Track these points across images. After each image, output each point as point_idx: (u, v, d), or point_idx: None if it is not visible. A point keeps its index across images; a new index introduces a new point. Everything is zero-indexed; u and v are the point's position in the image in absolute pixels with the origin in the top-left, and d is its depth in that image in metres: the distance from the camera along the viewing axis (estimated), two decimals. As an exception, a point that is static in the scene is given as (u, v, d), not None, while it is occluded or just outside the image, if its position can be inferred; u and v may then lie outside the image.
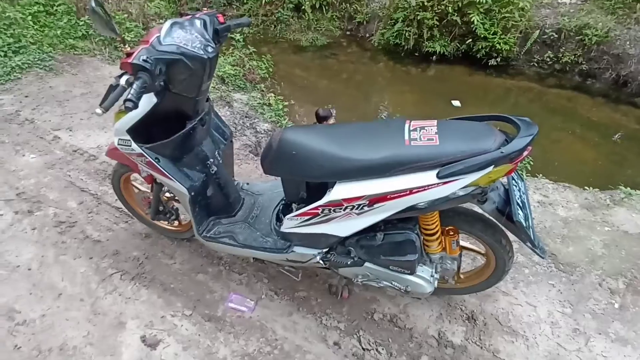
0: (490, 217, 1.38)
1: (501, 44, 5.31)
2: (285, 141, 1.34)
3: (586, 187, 2.52)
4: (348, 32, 6.62)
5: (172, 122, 1.46)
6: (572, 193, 2.43)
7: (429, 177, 1.18)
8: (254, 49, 4.93)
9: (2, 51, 3.59)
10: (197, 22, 1.36)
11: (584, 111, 4.94)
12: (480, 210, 1.38)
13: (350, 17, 6.49)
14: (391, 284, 1.51)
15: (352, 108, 4.75)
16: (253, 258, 1.79)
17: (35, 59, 3.67)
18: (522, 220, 1.25)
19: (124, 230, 2.16)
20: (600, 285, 1.84)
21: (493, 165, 1.14)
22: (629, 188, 2.52)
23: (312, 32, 6.40)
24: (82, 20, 4.38)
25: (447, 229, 1.45)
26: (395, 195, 1.22)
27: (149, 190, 1.88)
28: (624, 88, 5.15)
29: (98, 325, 1.71)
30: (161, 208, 1.85)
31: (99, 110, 1.12)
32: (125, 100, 1.11)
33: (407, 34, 5.73)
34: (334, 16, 6.47)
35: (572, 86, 5.36)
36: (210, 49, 1.30)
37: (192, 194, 1.54)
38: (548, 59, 5.46)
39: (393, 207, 1.25)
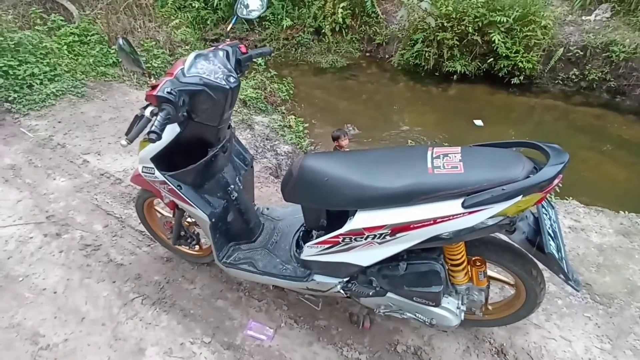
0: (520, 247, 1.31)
1: (524, 63, 5.24)
2: (306, 168, 1.34)
3: (621, 211, 2.40)
4: (367, 54, 6.69)
5: (195, 150, 1.48)
6: (605, 217, 2.31)
7: (454, 206, 1.14)
8: (275, 72, 5.04)
9: (39, 79, 3.79)
10: (220, 53, 1.39)
11: (613, 129, 4.77)
12: (509, 240, 1.32)
13: (369, 39, 6.57)
14: (415, 315, 1.45)
15: (372, 128, 4.75)
16: (273, 285, 1.77)
17: (69, 86, 3.86)
18: (554, 252, 1.18)
19: (146, 254, 2.18)
20: (641, 319, 1.72)
21: (522, 195, 1.09)
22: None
23: (332, 55, 6.51)
24: (112, 49, 4.61)
25: (473, 259, 1.40)
26: (419, 224, 1.18)
27: (171, 215, 1.90)
28: (656, 104, 4.96)
29: (119, 351, 1.71)
30: (182, 233, 1.87)
31: (124, 142, 1.14)
32: (149, 132, 1.14)
33: (426, 54, 5.74)
34: (354, 38, 6.57)
35: (600, 104, 5.20)
36: (232, 79, 1.32)
37: (213, 220, 1.55)
38: (573, 77, 5.34)
39: (416, 236, 1.21)
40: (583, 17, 5.58)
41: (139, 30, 5.16)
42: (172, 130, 1.36)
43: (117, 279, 2.03)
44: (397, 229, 1.21)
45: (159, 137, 1.14)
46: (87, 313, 1.87)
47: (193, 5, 6.89)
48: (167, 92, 1.21)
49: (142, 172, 1.51)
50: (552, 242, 1.20)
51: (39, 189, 2.66)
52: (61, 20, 4.78)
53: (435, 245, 1.25)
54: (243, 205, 1.69)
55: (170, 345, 1.72)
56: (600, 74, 5.16)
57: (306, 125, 4.27)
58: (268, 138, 3.66)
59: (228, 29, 1.54)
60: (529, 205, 1.14)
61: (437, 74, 5.87)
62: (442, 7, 5.46)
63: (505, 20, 5.16)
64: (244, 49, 1.49)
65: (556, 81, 5.51)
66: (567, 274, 1.21)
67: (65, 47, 4.34)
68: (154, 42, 4.89)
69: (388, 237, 1.24)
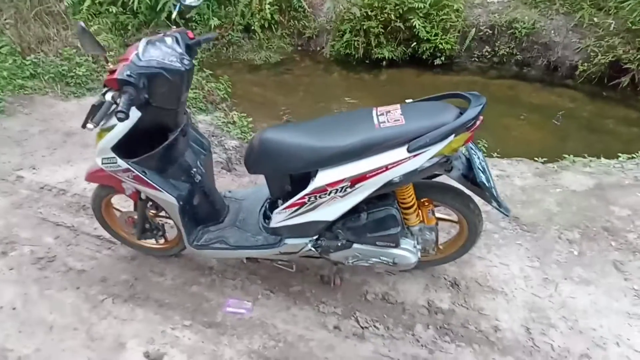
0: (458, 186, 1.54)
1: (443, 44, 5.72)
2: (266, 140, 1.45)
3: (536, 159, 2.80)
4: (299, 48, 6.84)
5: (154, 135, 1.52)
6: (525, 165, 2.69)
7: (401, 152, 1.32)
8: (210, 72, 5.00)
9: (-53, 98, 3.45)
10: (169, 39, 1.45)
11: (524, 97, 5.40)
12: (448, 182, 1.55)
13: (299, 33, 6.72)
14: (379, 259, 1.63)
15: (311, 117, 4.88)
16: (246, 258, 1.85)
17: (-16, 103, 3.54)
18: (485, 182, 1.42)
19: (108, 256, 2.14)
20: (559, 238, 2.06)
21: (454, 135, 1.30)
22: (572, 156, 2.82)
23: (264, 51, 6.55)
24: (28, 60, 4.28)
25: (422, 200, 1.60)
26: (373, 173, 1.35)
27: (133, 210, 1.90)
28: (556, 72, 5.68)
29: (97, 350, 1.69)
30: (147, 225, 1.87)
31: (90, 126, 1.17)
32: (117, 112, 1.17)
33: (355, 44, 6.02)
34: (284, 34, 6.66)
35: (511, 76, 5.84)
36: (186, 61, 1.39)
37: (181, 203, 1.59)
38: (487, 54, 5.93)
39: (373, 184, 1.38)
40: (488, 0, 6.19)
41: (55, 39, 4.83)
42: (132, 116, 1.39)
43: (80, 284, 1.98)
44: (356, 180, 1.37)
45: (127, 116, 1.18)
46: (54, 321, 1.81)
47: (110, 10, 6.54)
48: (127, 75, 1.25)
49: (103, 163, 1.51)
50: (482, 175, 1.44)
51: (-30, 211, 2.46)
52: (-38, 33, 4.34)
53: (388, 190, 1.44)
54: (207, 187, 1.75)
55: (150, 335, 1.74)
56: (508, 49, 5.78)
57: (250, 119, 4.32)
58: (214, 135, 3.66)
59: (173, 16, 1.59)
60: (460, 144, 1.36)
61: (367, 61, 6.18)
62: (363, -3, 5.76)
63: (422, 6, 5.56)
64: (191, 35, 1.55)
65: (472, 59, 6.08)
66: (497, 199, 1.45)
67: (-28, 62, 3.96)
68: (74, 50, 4.62)
69: (348, 190, 1.40)
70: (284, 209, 1.52)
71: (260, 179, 2.75)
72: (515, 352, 1.62)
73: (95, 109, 1.34)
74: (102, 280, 2.00)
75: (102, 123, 1.27)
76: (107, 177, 1.62)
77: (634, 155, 2.83)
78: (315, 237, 1.61)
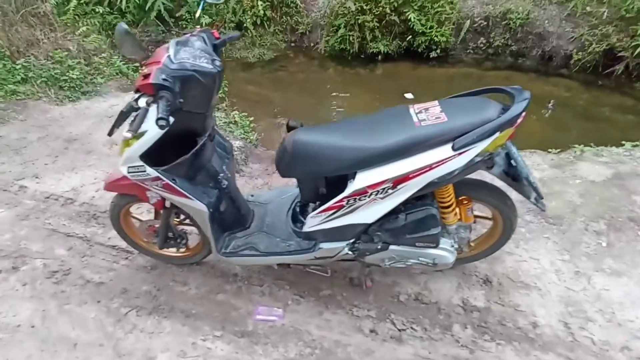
0: (494, 182, 1.51)
1: (438, 37, 5.71)
2: (300, 142, 1.40)
3: (549, 150, 2.80)
4: (293, 44, 6.75)
5: (181, 141, 1.45)
6: (539, 157, 2.69)
7: (445, 151, 1.28)
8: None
9: (-64, 107, 3.29)
10: (197, 40, 1.38)
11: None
12: (482, 178, 1.52)
13: (292, 29, 6.63)
14: (418, 260, 1.60)
15: (309, 115, 4.86)
16: (277, 264, 1.80)
17: (-23, 111, 3.40)
18: (530, 177, 1.39)
19: (126, 267, 2.06)
20: (586, 229, 2.06)
21: (499, 131, 1.27)
22: (581, 146, 2.83)
23: (257, 48, 6.46)
24: (18, 64, 4.12)
25: (460, 199, 1.57)
26: (417, 173, 1.31)
27: (153, 219, 1.83)
28: (550, 62, 5.73)
29: (126, 366, 1.63)
30: (170, 234, 1.81)
31: (128, 134, 1.10)
32: (158, 119, 1.11)
33: (350, 38, 5.97)
34: (277, 30, 6.57)
35: (506, 66, 5.87)
36: (217, 63, 1.33)
37: (211, 210, 1.53)
38: (482, 45, 5.94)
39: (416, 185, 1.34)
40: (481, -9, 6.19)
41: (44, 41, 4.66)
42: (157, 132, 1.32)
43: (101, 297, 1.90)
44: (398, 181, 1.33)
45: (168, 123, 1.12)
46: (77, 338, 1.73)
47: (97, 10, 6.35)
48: (163, 79, 1.18)
49: (129, 172, 1.43)
50: (526, 169, 1.41)
51: (-27, 225, 2.35)
52: (-54, 38, 4.15)
53: (431, 190, 1.40)
54: (233, 193, 1.69)
55: (181, 347, 1.68)
56: (503, 40, 5.80)
57: (252, 119, 4.24)
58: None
59: (197, 15, 1.52)
60: (504, 140, 1.33)
61: (362, 56, 6.14)
62: (358, -9, 5.70)
63: (417, -1, 5.54)
64: (216, 34, 1.48)
65: (468, 51, 6.09)
66: (540, 194, 1.43)
67: (-40, 68, 3.79)
68: (65, 53, 4.46)
69: (390, 191, 1.36)
70: (320, 212, 1.47)
71: (275, 180, 2.72)
72: (556, 347, 1.61)
73: (123, 115, 1.27)
74: (122, 292, 1.92)
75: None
76: (130, 186, 1.55)
77: (638, 143, 2.86)
78: (352, 240, 1.57)
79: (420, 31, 5.66)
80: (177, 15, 6.37)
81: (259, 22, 6.43)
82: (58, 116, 3.60)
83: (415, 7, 5.61)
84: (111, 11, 6.53)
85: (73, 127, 3.34)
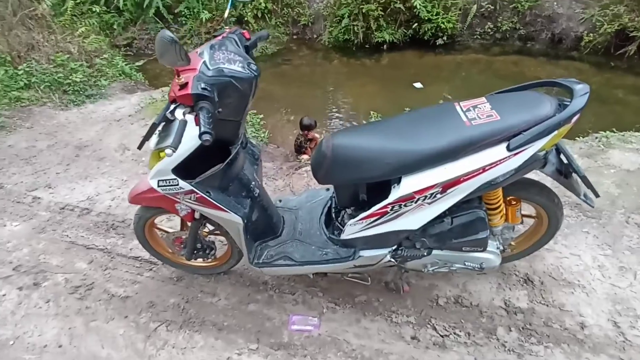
0: (540, 179, 1.43)
1: (444, 23, 5.58)
2: (340, 147, 1.31)
3: (577, 138, 2.71)
4: (295, 36, 6.62)
5: (213, 150, 1.37)
6: (567, 145, 2.59)
7: (499, 151, 1.20)
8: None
9: (-60, 118, 3.20)
10: (230, 42, 1.29)
11: (530, 72, 5.31)
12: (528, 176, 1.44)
13: (294, 21, 6.49)
14: (464, 265, 1.52)
15: (316, 109, 4.77)
16: (313, 273, 1.73)
17: (-19, 120, 3.31)
18: (584, 173, 1.31)
19: (151, 279, 2.00)
20: (627, 222, 1.98)
21: (557, 129, 1.18)
22: (607, 132, 2.74)
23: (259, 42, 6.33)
24: (20, 69, 4.02)
25: (508, 199, 1.49)
26: (469, 176, 1.23)
27: (179, 230, 1.76)
28: (560, 45, 5.60)
29: (162, 385, 1.57)
30: (199, 245, 1.73)
31: (169, 151, 1.02)
32: (201, 133, 1.02)
33: (354, 28, 5.84)
34: (278, 23, 6.44)
35: (515, 51, 5.75)
36: (254, 67, 1.24)
37: (245, 221, 1.46)
38: (489, 30, 5.82)
39: (467, 188, 1.26)
40: (487, -26, 6.03)
41: (45, 44, 4.54)
42: (195, 135, 1.24)
43: (128, 313, 1.84)
44: (448, 185, 1.25)
45: (213, 136, 1.03)
46: (108, 357, 1.67)
47: (93, 10, 6.21)
48: (202, 88, 1.10)
49: (159, 186, 1.35)
50: (579, 165, 1.33)
51: (-11, 240, 2.28)
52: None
53: (482, 193, 1.32)
54: (265, 201, 1.61)
55: (217, 363, 1.62)
56: (511, 24, 5.68)
57: (261, 116, 4.15)
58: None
59: (225, 16, 1.43)
60: (560, 137, 1.24)
61: (367, 46, 6.02)
62: (362, -21, 5.56)
63: (423, -15, 5.40)
64: (247, 35, 1.39)
65: (475, 36, 5.97)
66: (594, 189, 1.35)
67: (-39, 76, 3.69)
68: (67, 55, 4.35)
69: (439, 196, 1.28)
70: (361, 219, 1.40)
71: (295, 182, 2.64)
72: (607, 349, 1.54)
73: (154, 127, 1.19)
74: (150, 306, 1.86)
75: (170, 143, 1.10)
76: (157, 199, 1.47)
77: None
78: (394, 247, 1.49)
79: (426, 18, 5.54)
80: (175, 11, 6.23)
81: (259, 15, 6.30)
82: (65, 122, 3.52)
83: (421, -6, 5.47)
84: (108, 10, 6.41)
85: (82, 133, 3.26)
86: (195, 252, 1.74)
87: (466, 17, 5.78)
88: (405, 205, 1.31)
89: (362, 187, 1.43)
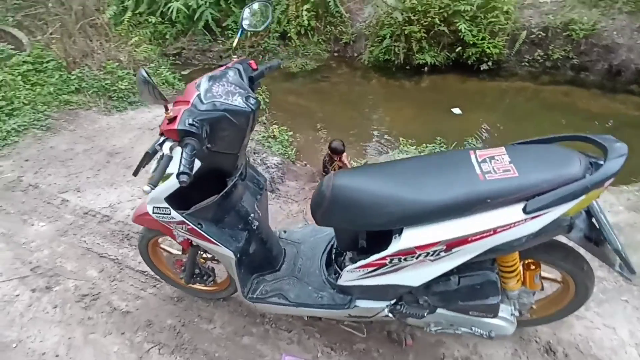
0: (566, 241, 1.26)
1: (490, 48, 5.35)
2: (340, 188, 1.23)
3: (622, 186, 2.44)
4: (336, 54, 6.63)
5: (210, 181, 1.34)
6: (611, 195, 2.34)
7: (514, 213, 1.06)
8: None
9: (-5, 116, 3.47)
10: (232, 73, 1.26)
11: (582, 104, 4.95)
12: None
13: (336, 39, 6.51)
14: (471, 329, 1.37)
15: (350, 129, 4.71)
16: (307, 316, 1.64)
17: (31, 120, 3.55)
18: (620, 245, 1.13)
19: (154, 295, 2.00)
20: (676, 294, 1.73)
21: (585, 193, 1.03)
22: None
23: (300, 58, 6.40)
24: (73, 75, 4.30)
25: (526, 262, 1.34)
26: (477, 237, 1.10)
27: (181, 253, 1.74)
28: (618, 77, 5.18)
29: (144, 412, 1.54)
30: (197, 271, 1.71)
31: (147, 188, 0.99)
32: (179, 174, 0.99)
33: (396, 49, 5.74)
34: (320, 40, 6.49)
35: (566, 81, 5.38)
36: (252, 101, 1.20)
37: (238, 255, 1.40)
38: (539, 58, 5.50)
39: (474, 249, 1.13)
40: (540, 0, 5.76)
41: (99, 52, 4.85)
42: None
43: (125, 329, 1.84)
44: (454, 244, 1.13)
45: (190, 178, 0.99)
46: (99, 374, 1.67)
47: (149, 20, 6.59)
48: (189, 124, 1.07)
49: (154, 212, 1.34)
50: (613, 234, 1.15)
51: (16, 238, 2.40)
52: (11, 49, 4.41)
53: (493, 256, 1.18)
54: (264, 233, 1.55)
55: (201, 396, 1.57)
56: (564, 52, 5.34)
57: (290, 133, 4.15)
58: (255, 151, 3.51)
59: (234, 44, 1.40)
60: (590, 202, 1.09)
61: (407, 67, 5.90)
62: (406, 1, 5.49)
63: (469, 9, 5.25)
64: (254, 65, 1.36)
65: (523, 63, 5.66)
66: (630, 265, 1.17)
67: (19, 77, 4.00)
68: (116, 64, 4.61)
69: (442, 254, 1.15)
70: (358, 268, 1.30)
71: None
72: None
73: (148, 156, 1.17)
74: (147, 325, 1.85)
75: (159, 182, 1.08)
76: (156, 223, 1.45)
77: None
78: (393, 301, 1.38)
79: (471, 42, 5.34)
80: (223, 25, 6.46)
81: (302, 31, 6.39)
82: (105, 126, 3.69)
83: (467, 18, 5.30)
84: (162, 21, 6.78)
85: (117, 139, 3.40)
86: (193, 276, 1.72)
87: (514, 43, 5.52)
88: (405, 260, 1.20)
89: (362, 232, 1.34)
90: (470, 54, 5.45)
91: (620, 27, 5.18)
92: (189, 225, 1.32)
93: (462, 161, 1.17)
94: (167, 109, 1.10)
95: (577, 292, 1.40)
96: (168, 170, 1.18)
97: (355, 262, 1.31)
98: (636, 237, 2.00)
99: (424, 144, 3.51)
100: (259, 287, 1.58)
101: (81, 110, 3.97)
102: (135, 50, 5.32)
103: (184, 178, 0.98)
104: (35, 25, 5.28)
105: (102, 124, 3.74)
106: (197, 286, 1.86)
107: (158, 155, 1.13)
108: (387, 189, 1.18)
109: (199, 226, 1.33)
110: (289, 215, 2.49)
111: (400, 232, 1.18)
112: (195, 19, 6.39)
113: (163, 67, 5.19)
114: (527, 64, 5.63)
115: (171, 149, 1.06)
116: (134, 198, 2.66)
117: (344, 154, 3.49)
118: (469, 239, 1.11)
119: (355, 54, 6.46)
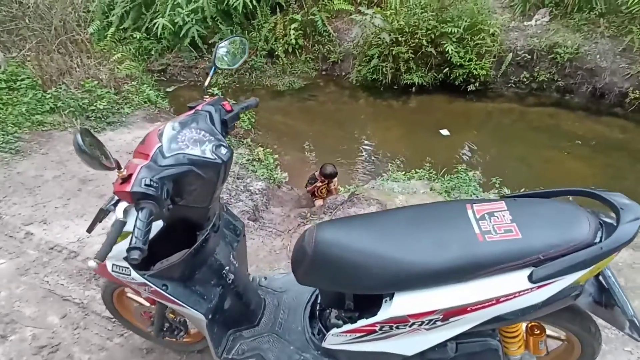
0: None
1: (477, 70, 5.37)
2: (323, 243, 1.09)
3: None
4: (324, 73, 6.58)
5: (179, 233, 1.19)
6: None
7: (519, 280, 0.94)
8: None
9: (-41, 138, 3.26)
10: (202, 118, 1.12)
11: (567, 126, 4.97)
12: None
13: (324, 57, 6.48)
14: (469, 399, 1.24)
15: (338, 149, 4.63)
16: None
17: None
18: (633, 310, 1.02)
19: (120, 346, 1.81)
20: (683, 346, 1.63)
21: (597, 262, 0.92)
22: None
23: (288, 76, 6.34)
24: (48, 93, 4.10)
25: (530, 325, 1.22)
26: (478, 306, 0.98)
27: (149, 305, 1.57)
28: (602, 100, 5.24)
29: None
30: (167, 325, 1.54)
31: (93, 264, 0.84)
32: (129, 249, 0.84)
33: (383, 69, 5.73)
34: (308, 58, 6.44)
35: (552, 103, 5.42)
36: (223, 151, 1.06)
37: (210, 317, 1.25)
38: (524, 79, 5.54)
39: (474, 319, 1.00)
40: (525, 23, 5.84)
41: (77, 69, 4.67)
42: (153, 226, 1.06)
43: (86, 388, 1.65)
44: (452, 313, 1.00)
45: (144, 253, 0.85)
46: None
47: (134, 36, 6.46)
48: (146, 185, 0.92)
49: (113, 271, 1.18)
50: (624, 298, 1.04)
51: (-29, 277, 2.19)
52: (-17, 66, 4.21)
53: (495, 326, 1.05)
54: (241, 286, 1.40)
55: None
56: (549, 74, 5.39)
57: (276, 156, 4.03)
58: (239, 177, 3.37)
59: (206, 83, 1.27)
60: (602, 268, 0.98)
61: (395, 87, 5.88)
62: (393, 22, 5.49)
63: (456, 31, 5.28)
64: (228, 107, 1.22)
65: (509, 85, 5.71)
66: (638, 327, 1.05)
67: (-11, 96, 3.80)
68: (96, 82, 4.44)
69: (439, 323, 1.02)
70: (344, 332, 1.16)
71: (294, 243, 2.43)
72: None
73: (102, 213, 1.02)
74: (111, 383, 1.67)
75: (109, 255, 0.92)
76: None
77: None
78: (384, 369, 1.24)
79: (458, 63, 5.36)
80: (210, 42, 6.37)
81: (290, 50, 6.34)
82: (80, 149, 3.50)
83: (454, 39, 5.33)
84: (148, 37, 6.65)
85: (91, 165, 3.21)
86: (163, 330, 1.54)
87: (501, 65, 5.55)
88: (397, 328, 1.06)
89: (350, 295, 1.20)
90: (458, 74, 5.46)
91: (602, 50, 5.25)
92: (151, 287, 1.16)
93: (459, 217, 1.05)
94: (119, 168, 0.95)
95: (584, 353, 1.28)
96: (128, 228, 1.03)
97: (341, 325, 1.17)
98: (636, 279, 1.91)
99: (414, 170, 3.42)
100: (235, 346, 1.41)
101: (55, 131, 3.78)
102: (117, 68, 5.16)
103: (134, 255, 0.83)
104: (12, 42, 5.08)
105: (77, 146, 3.55)
106: (169, 338, 1.69)
107: (111, 218, 0.98)
108: (376, 246, 1.05)
109: (164, 288, 1.17)
110: (271, 252, 2.33)
111: (391, 296, 1.05)
112: (181, 35, 6.29)
113: (146, 85, 5.02)
114: (513, 85, 5.67)
115: (125, 211, 0.92)
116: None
117: (335, 178, 3.41)
118: (469, 309, 0.98)
119: (343, 73, 6.43)
